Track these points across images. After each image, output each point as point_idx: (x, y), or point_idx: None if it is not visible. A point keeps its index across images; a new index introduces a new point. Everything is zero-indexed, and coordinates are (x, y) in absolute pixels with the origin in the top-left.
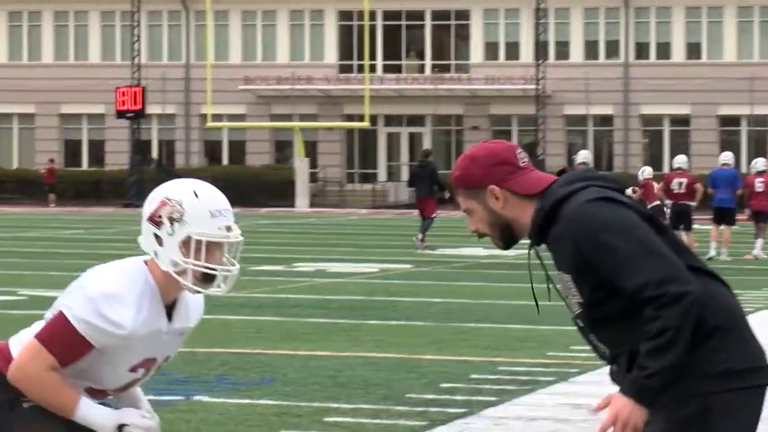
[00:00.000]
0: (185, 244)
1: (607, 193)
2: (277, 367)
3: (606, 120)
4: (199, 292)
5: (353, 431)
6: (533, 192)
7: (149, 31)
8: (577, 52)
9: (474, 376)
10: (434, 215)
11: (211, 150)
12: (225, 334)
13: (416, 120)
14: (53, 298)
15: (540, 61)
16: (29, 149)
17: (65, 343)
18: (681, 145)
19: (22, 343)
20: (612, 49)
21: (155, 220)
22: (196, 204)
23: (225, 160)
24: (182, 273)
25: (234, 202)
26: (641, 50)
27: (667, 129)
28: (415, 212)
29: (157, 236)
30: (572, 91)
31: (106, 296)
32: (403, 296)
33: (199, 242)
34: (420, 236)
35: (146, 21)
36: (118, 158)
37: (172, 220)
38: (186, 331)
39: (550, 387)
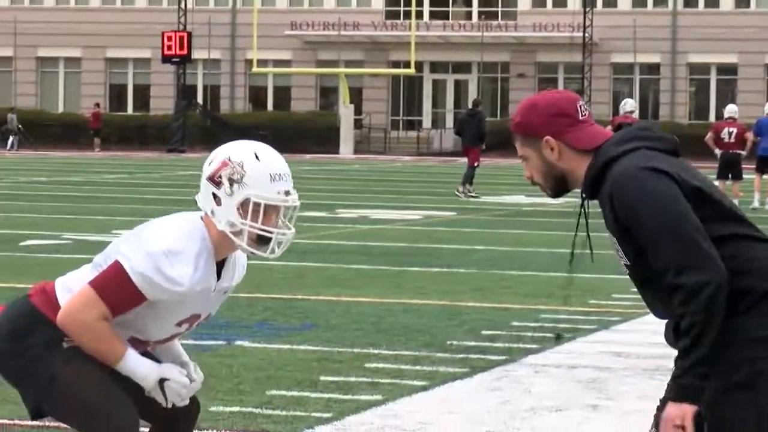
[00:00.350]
0: (243, 205)
1: (654, 162)
2: (319, 313)
3: (653, 68)
4: (253, 253)
5: (394, 377)
6: (589, 147)
7: None
8: (624, 0)
9: (515, 323)
10: (477, 164)
11: (256, 95)
12: (267, 280)
13: (462, 67)
14: (97, 242)
15: (587, 9)
16: (75, 93)
17: (120, 293)
18: (727, 94)
19: (69, 288)
20: None
21: (215, 180)
22: (257, 166)
23: (270, 106)
24: (238, 234)
25: (278, 148)
26: None
27: (713, 78)
28: (460, 160)
29: (215, 196)
30: (619, 39)
31: (166, 252)
32: (446, 243)
33: (257, 204)
34: (460, 188)
35: None
36: (163, 103)
37: (232, 181)
38: (230, 290)
39: (592, 335)
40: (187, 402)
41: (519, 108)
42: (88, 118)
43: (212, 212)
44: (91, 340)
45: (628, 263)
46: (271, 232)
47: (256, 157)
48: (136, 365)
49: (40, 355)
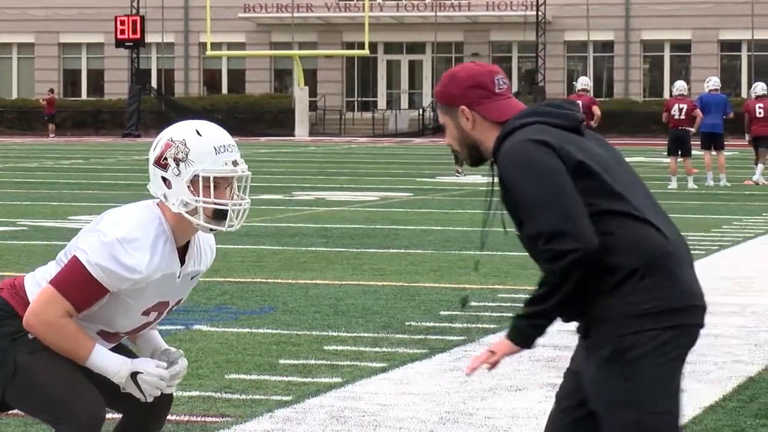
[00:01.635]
0: (193, 182)
1: (541, 135)
2: (277, 296)
3: (606, 46)
4: (212, 230)
5: (353, 359)
6: (501, 119)
7: None
8: None
9: (473, 303)
10: None
11: (211, 79)
12: (225, 264)
13: (416, 47)
14: (54, 228)
15: None
16: (29, 79)
17: (80, 288)
18: (681, 71)
19: (39, 283)
20: None
21: (161, 163)
22: (200, 142)
23: (224, 89)
24: (194, 212)
25: (233, 131)
26: None
27: (667, 55)
28: (415, 140)
29: (164, 179)
30: (573, 17)
31: (121, 241)
32: (403, 225)
33: (206, 179)
34: (460, 169)
35: None
36: (117, 88)
37: (177, 160)
38: (198, 275)
39: None
40: (168, 392)
41: (441, 78)
42: (43, 104)
43: (164, 196)
44: (57, 338)
45: (518, 233)
46: (225, 205)
47: (198, 133)
48: (106, 360)
49: (5, 347)
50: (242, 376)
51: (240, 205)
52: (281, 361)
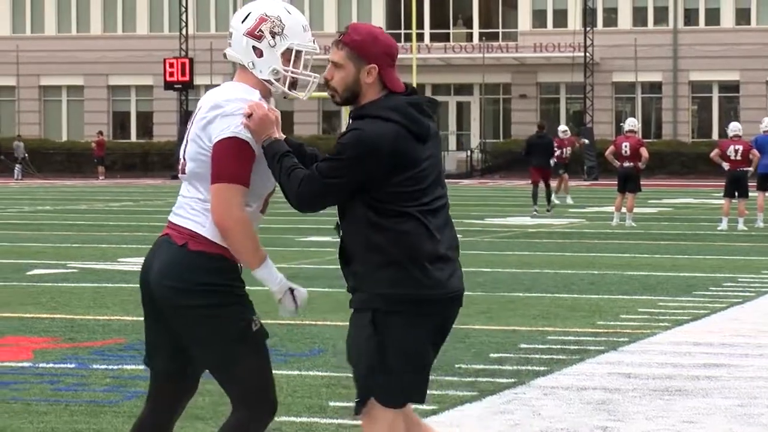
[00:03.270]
0: (285, 54)
1: (393, 145)
2: (327, 338)
3: (654, 87)
4: (288, 96)
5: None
6: (392, 89)
7: (197, 1)
8: (625, 19)
9: (523, 345)
10: (548, 182)
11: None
12: (274, 306)
13: (464, 89)
14: (103, 270)
15: (588, 28)
16: (78, 121)
17: (238, 160)
18: (730, 111)
19: (194, 209)
20: (660, 15)
21: (255, 35)
22: (292, 19)
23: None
24: (278, 80)
25: None
26: (690, 16)
27: (716, 96)
28: (462, 182)
29: (256, 48)
30: (620, 58)
31: (244, 102)
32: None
33: (299, 52)
34: (548, 206)
35: None
36: (166, 130)
37: (273, 33)
38: None
39: (600, 356)
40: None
41: (359, 31)
42: (92, 146)
43: (252, 63)
44: (245, 236)
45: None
46: (310, 76)
47: (288, 11)
48: (273, 270)
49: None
50: (292, 419)
51: (317, 77)
52: (331, 404)
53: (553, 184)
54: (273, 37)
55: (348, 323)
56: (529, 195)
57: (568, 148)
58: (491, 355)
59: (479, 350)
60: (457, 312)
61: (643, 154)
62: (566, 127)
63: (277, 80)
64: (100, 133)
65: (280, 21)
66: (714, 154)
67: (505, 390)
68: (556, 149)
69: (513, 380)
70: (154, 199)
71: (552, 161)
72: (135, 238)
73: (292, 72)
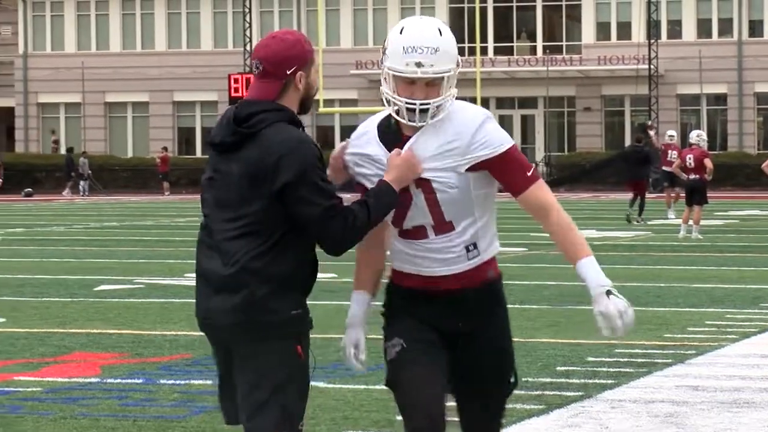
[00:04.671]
0: (386, 77)
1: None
2: None
3: (719, 99)
4: (405, 121)
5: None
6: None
7: (260, 17)
8: (689, 31)
9: (590, 358)
10: (646, 193)
11: (324, 135)
12: (340, 320)
13: (528, 102)
14: (170, 286)
15: (652, 41)
16: (143, 137)
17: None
18: None
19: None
20: (725, 26)
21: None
22: (395, 40)
23: (336, 145)
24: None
25: (346, 186)
26: (755, 27)
27: None
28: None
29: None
30: (685, 70)
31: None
32: (518, 279)
33: (389, 75)
34: (638, 218)
35: (257, 7)
36: None
37: (383, 51)
38: None
39: (667, 369)
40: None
41: (292, 42)
42: (157, 161)
43: None
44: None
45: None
46: (399, 100)
47: (400, 31)
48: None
49: None
50: None
51: (414, 103)
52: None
53: (648, 196)
54: (383, 55)
55: None
56: (592, 209)
57: (674, 151)
58: (558, 368)
59: (546, 363)
60: (220, 337)
61: (707, 166)
62: (674, 133)
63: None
64: (165, 149)
65: (387, 40)
66: (765, 165)
67: (572, 403)
68: (664, 153)
69: (580, 393)
70: None
71: (652, 173)
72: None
73: (386, 94)
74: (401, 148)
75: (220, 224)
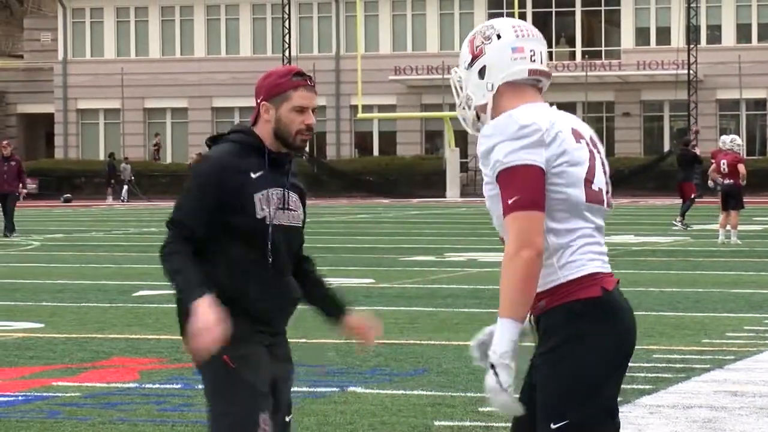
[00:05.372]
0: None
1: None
2: (431, 358)
3: (759, 104)
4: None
5: (508, 421)
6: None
7: (299, 23)
8: (729, 36)
9: (630, 364)
10: (694, 196)
11: (362, 141)
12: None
13: (567, 107)
14: None
15: (691, 46)
16: (182, 143)
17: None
18: None
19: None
20: (764, 31)
21: None
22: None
23: (376, 151)
24: None
25: (385, 192)
26: None
27: None
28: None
29: None
30: (724, 75)
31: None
32: None
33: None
34: (679, 218)
35: (296, 13)
36: None
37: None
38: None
39: (706, 374)
40: None
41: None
42: (191, 167)
43: None
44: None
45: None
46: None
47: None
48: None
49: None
50: None
51: (465, 110)
52: (436, 423)
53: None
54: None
55: (449, 342)
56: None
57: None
58: None
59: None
60: None
61: (740, 171)
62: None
63: None
64: (199, 154)
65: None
66: None
67: None
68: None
69: (619, 399)
70: None
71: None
72: None
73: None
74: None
75: None
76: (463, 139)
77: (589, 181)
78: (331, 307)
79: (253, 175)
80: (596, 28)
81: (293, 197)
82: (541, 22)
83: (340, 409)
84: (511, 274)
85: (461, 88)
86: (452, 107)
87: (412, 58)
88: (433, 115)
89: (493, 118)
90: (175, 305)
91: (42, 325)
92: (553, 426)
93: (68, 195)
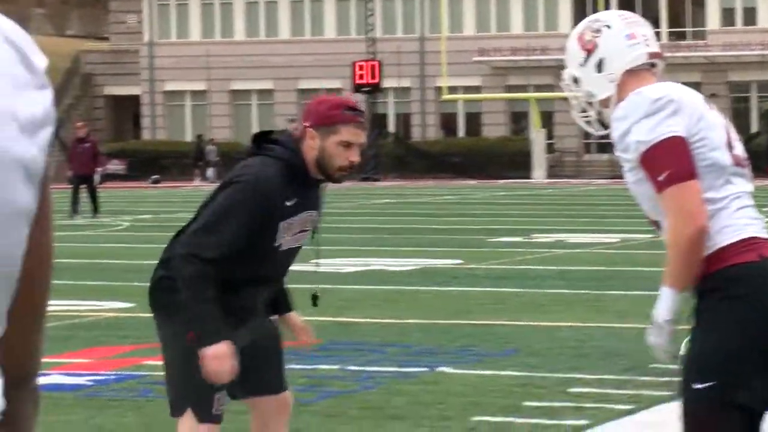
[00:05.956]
0: None
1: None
2: (520, 338)
3: None
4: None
5: (598, 401)
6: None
7: (383, 4)
8: None
9: None
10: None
11: (447, 122)
12: (466, 306)
13: None
14: (294, 273)
15: None
16: (268, 125)
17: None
18: None
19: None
20: None
21: None
22: None
23: (461, 132)
24: None
25: (470, 173)
26: None
27: None
28: None
29: None
30: None
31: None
32: (645, 266)
33: None
34: None
35: None
36: None
37: None
38: None
39: None
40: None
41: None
42: None
43: None
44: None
45: None
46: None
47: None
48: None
49: None
50: (487, 419)
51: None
52: (525, 403)
53: None
54: None
55: (537, 323)
56: None
57: None
58: None
59: (674, 350)
60: None
61: None
62: None
63: None
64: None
65: None
66: None
67: None
68: None
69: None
70: (343, 200)
71: None
72: (327, 240)
73: None
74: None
75: None
76: (548, 120)
77: (729, 145)
78: (279, 305)
79: (287, 203)
80: (682, 10)
81: (313, 215)
82: (626, 4)
83: (429, 389)
84: (677, 247)
85: (577, 88)
86: (537, 88)
87: (497, 40)
88: (519, 96)
89: None
90: None
91: (132, 305)
92: (694, 386)
93: (156, 176)
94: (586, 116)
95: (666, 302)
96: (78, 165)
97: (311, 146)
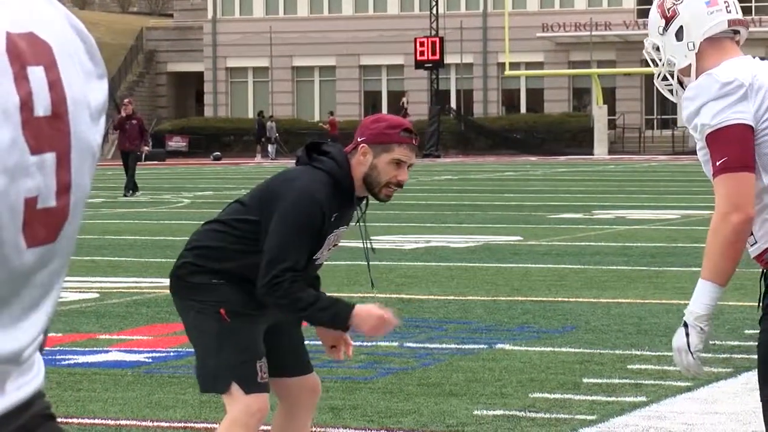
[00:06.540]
0: None
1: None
2: (579, 315)
3: None
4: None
5: (657, 378)
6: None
7: None
8: None
9: None
10: None
11: (509, 98)
12: (526, 283)
13: None
14: (355, 249)
15: None
16: (330, 101)
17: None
18: None
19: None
20: None
21: None
22: None
23: (523, 108)
24: None
25: (532, 149)
26: None
27: None
28: None
29: None
30: None
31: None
32: (699, 242)
33: None
34: None
35: None
36: (417, 108)
37: None
38: None
39: None
40: None
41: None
42: (325, 127)
43: None
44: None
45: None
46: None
47: None
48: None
49: None
50: (546, 395)
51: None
52: (585, 380)
53: None
54: None
55: (597, 300)
56: None
57: None
58: (746, 331)
59: (733, 327)
60: None
61: None
62: None
63: None
64: (331, 113)
65: None
66: None
67: None
68: None
69: None
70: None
71: None
72: (388, 216)
73: None
74: None
75: None
76: (611, 96)
77: None
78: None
79: (332, 218)
80: None
81: (343, 231)
82: None
83: (488, 366)
84: (717, 238)
85: (659, 56)
86: (599, 64)
87: (560, 15)
88: (581, 72)
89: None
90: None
91: None
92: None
93: (218, 153)
94: (669, 84)
95: (704, 297)
96: (124, 141)
97: (361, 162)
